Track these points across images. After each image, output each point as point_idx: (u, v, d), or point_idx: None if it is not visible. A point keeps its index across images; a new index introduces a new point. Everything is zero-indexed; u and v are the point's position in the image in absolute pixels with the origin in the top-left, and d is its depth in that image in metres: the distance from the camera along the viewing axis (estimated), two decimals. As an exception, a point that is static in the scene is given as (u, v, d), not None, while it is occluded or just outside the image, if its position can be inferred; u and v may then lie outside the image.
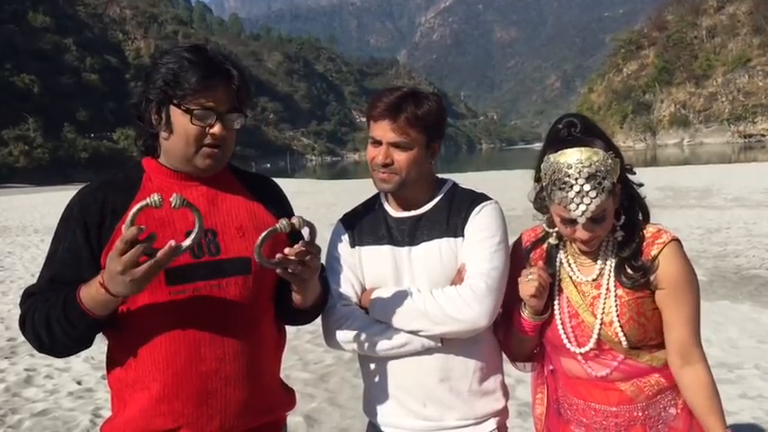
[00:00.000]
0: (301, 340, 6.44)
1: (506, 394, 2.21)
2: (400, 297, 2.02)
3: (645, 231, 1.96)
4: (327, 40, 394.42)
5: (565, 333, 1.98)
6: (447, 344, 2.04)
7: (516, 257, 2.13)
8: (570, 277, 2.02)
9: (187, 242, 1.59)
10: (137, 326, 1.77)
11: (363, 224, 2.22)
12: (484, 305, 1.98)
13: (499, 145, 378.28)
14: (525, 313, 2.00)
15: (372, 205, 2.27)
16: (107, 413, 4.80)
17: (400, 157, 2.06)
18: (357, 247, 2.20)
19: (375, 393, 2.16)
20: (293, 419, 4.68)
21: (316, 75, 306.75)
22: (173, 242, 1.55)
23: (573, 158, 1.85)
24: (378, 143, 2.08)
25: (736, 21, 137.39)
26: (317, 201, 24.52)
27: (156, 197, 1.51)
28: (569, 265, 2.04)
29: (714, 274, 9.16)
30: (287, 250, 1.68)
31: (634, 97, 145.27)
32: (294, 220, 1.67)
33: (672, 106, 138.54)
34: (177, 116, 1.79)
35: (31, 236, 17.40)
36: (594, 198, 1.83)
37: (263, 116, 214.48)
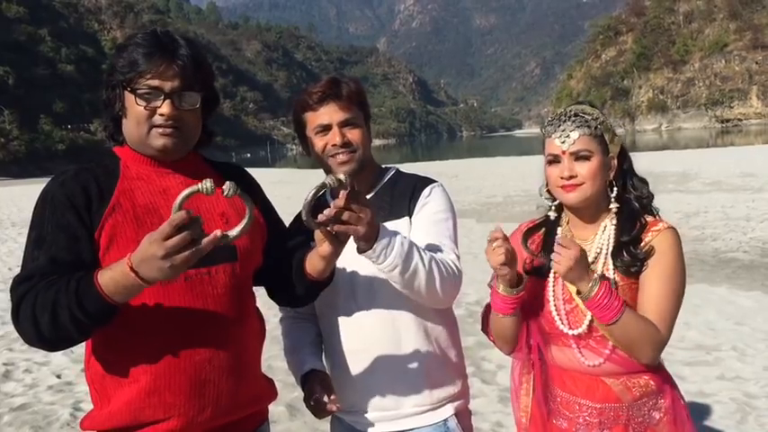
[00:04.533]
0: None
1: (463, 378, 2.25)
2: (405, 243, 1.90)
3: (646, 221, 1.98)
4: (306, 29, 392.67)
5: (558, 316, 1.99)
6: (401, 335, 2.09)
7: (513, 246, 2.09)
8: None
9: (234, 232, 1.57)
10: (124, 318, 1.69)
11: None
12: (459, 284, 2.06)
13: (480, 132, 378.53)
14: (500, 288, 1.98)
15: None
16: (87, 406, 4.77)
17: (354, 135, 2.09)
18: None
19: (337, 385, 2.15)
20: (276, 409, 4.66)
21: (295, 63, 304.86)
22: (218, 231, 1.52)
23: (570, 106, 2.01)
24: (326, 129, 2.09)
25: (713, 6, 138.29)
26: (299, 190, 24.34)
27: (207, 183, 1.48)
28: None
29: (692, 258, 9.25)
30: (331, 208, 1.70)
31: (613, 83, 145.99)
32: (341, 177, 1.69)
33: (650, 92, 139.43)
34: (128, 99, 1.78)
35: (8, 229, 17.20)
36: (578, 128, 1.92)
37: (243, 106, 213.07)
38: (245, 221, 1.58)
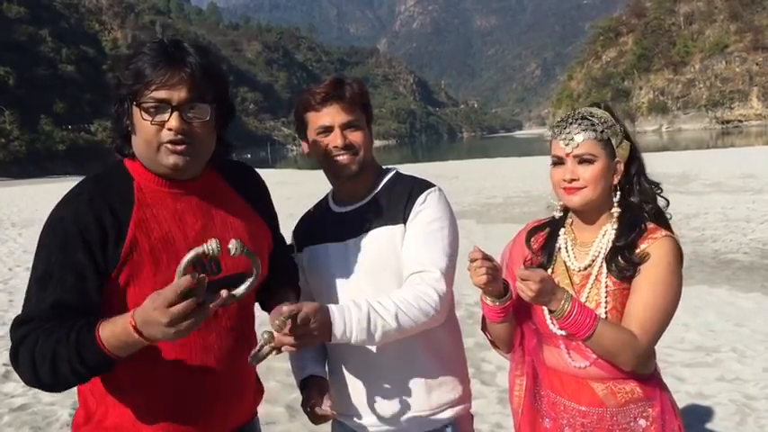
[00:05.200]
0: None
1: (465, 382, 2.24)
2: (362, 318, 1.83)
3: (647, 226, 1.97)
4: (307, 30, 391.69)
5: (549, 316, 1.98)
6: (401, 340, 2.02)
7: (518, 246, 2.19)
8: (565, 263, 2.04)
9: (240, 290, 1.50)
10: (137, 353, 1.60)
11: (310, 225, 2.24)
12: (446, 302, 1.99)
13: (480, 133, 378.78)
14: (487, 300, 1.99)
15: (320, 205, 2.29)
16: (87, 407, 4.78)
17: (356, 137, 2.07)
18: (304, 249, 2.21)
19: (338, 389, 2.17)
20: (275, 410, 4.64)
21: (296, 64, 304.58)
22: (224, 292, 1.44)
23: (581, 108, 2.01)
24: (328, 130, 2.06)
25: (714, 7, 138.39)
26: (300, 191, 24.38)
27: (213, 244, 1.40)
28: (567, 250, 2.05)
29: (692, 259, 9.24)
30: (268, 350, 1.66)
31: (613, 84, 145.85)
32: (279, 327, 1.63)
33: (650, 93, 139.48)
34: (135, 114, 1.66)
35: (8, 229, 17.21)
36: (584, 131, 1.91)
37: (243, 106, 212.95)
38: (250, 279, 1.51)
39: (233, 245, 1.45)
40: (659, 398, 1.99)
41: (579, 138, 1.91)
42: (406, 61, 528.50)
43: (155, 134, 1.64)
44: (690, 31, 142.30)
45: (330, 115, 2.06)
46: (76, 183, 1.76)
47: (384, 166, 2.25)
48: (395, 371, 2.10)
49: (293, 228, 2.32)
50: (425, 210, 2.07)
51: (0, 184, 47.87)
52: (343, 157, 2.07)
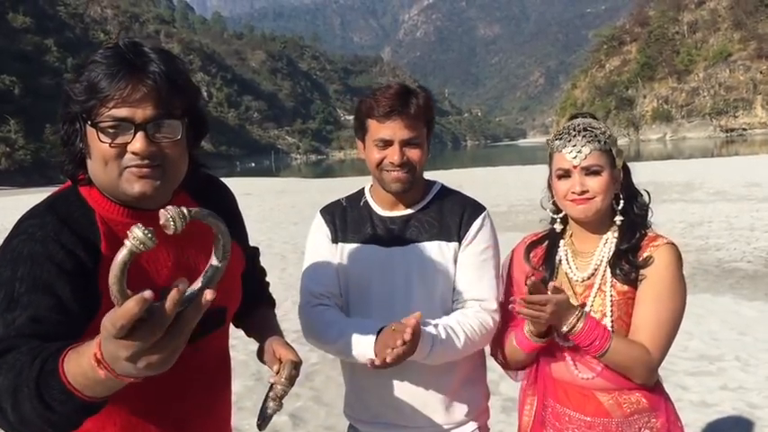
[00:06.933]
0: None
1: (487, 396, 2.26)
2: (441, 343, 1.95)
3: (646, 233, 2.01)
4: (311, 38, 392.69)
5: (564, 333, 1.96)
6: None
7: (517, 261, 2.18)
8: (567, 274, 2.05)
9: (205, 282, 1.11)
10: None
11: (347, 220, 2.19)
12: (497, 323, 2.09)
13: (484, 142, 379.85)
14: (530, 337, 2.00)
15: (357, 201, 2.23)
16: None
17: (414, 155, 2.04)
18: (340, 244, 2.16)
19: (356, 397, 2.17)
20: (280, 419, 4.66)
21: (300, 73, 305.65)
22: (209, 292, 1.04)
23: (575, 120, 2.02)
24: (387, 144, 2.03)
25: (717, 16, 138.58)
26: (304, 199, 24.48)
27: (139, 233, 0.96)
28: (567, 261, 2.06)
29: (696, 268, 9.24)
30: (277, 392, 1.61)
31: (617, 93, 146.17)
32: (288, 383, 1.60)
33: (654, 101, 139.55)
34: (90, 134, 1.41)
35: (13, 238, 17.25)
36: (589, 143, 1.93)
37: (247, 115, 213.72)
38: (218, 258, 1.12)
39: (166, 216, 1.02)
40: (663, 408, 2.01)
41: (586, 150, 1.93)
42: (409, 70, 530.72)
43: (115, 158, 1.40)
44: (693, 39, 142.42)
45: (392, 129, 2.01)
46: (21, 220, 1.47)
47: (426, 178, 2.24)
48: (417, 382, 2.09)
49: (322, 212, 2.25)
50: (481, 236, 2.11)
51: (5, 193, 48.05)
52: (397, 174, 2.04)
